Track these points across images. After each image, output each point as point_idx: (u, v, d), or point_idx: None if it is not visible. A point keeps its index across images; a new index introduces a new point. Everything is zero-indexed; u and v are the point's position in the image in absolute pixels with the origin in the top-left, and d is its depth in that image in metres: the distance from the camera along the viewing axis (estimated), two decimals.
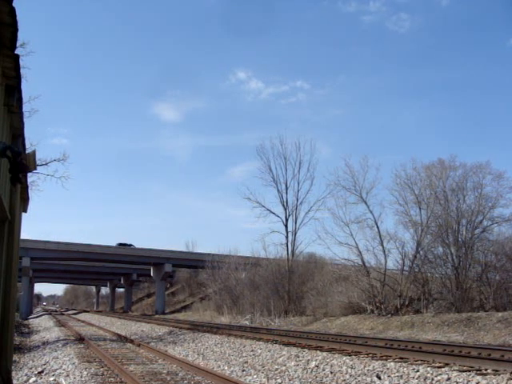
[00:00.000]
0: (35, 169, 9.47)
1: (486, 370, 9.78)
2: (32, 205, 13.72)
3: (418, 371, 9.96)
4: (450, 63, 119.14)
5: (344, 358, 12.12)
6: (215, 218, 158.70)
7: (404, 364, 10.83)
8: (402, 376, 9.81)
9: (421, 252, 27.89)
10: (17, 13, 4.50)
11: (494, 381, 8.74)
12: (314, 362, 12.05)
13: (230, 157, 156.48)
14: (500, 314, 20.02)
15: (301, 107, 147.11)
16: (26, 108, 19.10)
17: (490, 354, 11.65)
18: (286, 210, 38.81)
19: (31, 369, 13.08)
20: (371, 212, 29.43)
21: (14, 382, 10.22)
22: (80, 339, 21.68)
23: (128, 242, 68.41)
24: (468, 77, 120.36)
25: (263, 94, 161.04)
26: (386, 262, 28.69)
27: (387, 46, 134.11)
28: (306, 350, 14.13)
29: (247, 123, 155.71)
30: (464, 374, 9.39)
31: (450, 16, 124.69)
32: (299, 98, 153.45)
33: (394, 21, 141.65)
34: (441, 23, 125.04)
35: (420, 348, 13.64)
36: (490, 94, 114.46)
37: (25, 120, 7.75)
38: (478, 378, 8.98)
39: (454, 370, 9.80)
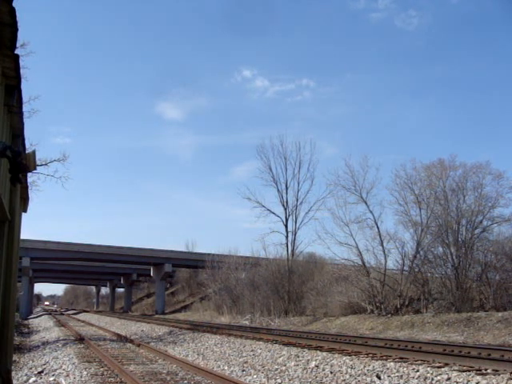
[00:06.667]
0: (35, 169, 9.47)
1: (485, 369, 9.78)
2: (32, 205, 13.74)
3: (417, 371, 9.96)
4: (452, 62, 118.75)
5: (344, 358, 12.12)
6: (215, 218, 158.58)
7: (404, 364, 10.83)
8: (401, 376, 9.81)
9: (421, 252, 27.89)
10: (17, 13, 4.51)
11: (493, 381, 8.73)
12: (313, 362, 12.04)
13: (233, 156, 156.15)
14: (500, 314, 20.02)
15: (306, 106, 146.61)
16: (25, 108, 19.13)
17: (489, 354, 11.65)
18: (285, 209, 38.90)
19: (31, 369, 13.08)
20: (371, 212, 29.49)
21: (14, 381, 10.22)
22: (80, 339, 21.67)
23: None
24: (468, 76, 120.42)
25: (269, 92, 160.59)
26: (385, 262, 28.72)
27: (395, 43, 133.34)
28: (306, 350, 14.13)
29: (251, 122, 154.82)
30: (464, 373, 9.39)
31: (459, 13, 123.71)
32: (305, 97, 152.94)
33: (403, 18, 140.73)
34: (450, 21, 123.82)
35: (420, 348, 13.64)
36: (490, 94, 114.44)
37: (25, 120, 7.76)
38: (478, 377, 8.98)
39: (454, 370, 9.79)
